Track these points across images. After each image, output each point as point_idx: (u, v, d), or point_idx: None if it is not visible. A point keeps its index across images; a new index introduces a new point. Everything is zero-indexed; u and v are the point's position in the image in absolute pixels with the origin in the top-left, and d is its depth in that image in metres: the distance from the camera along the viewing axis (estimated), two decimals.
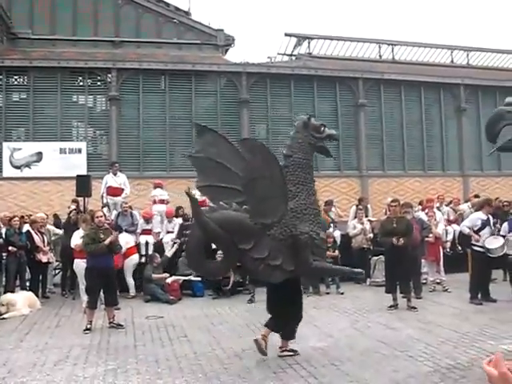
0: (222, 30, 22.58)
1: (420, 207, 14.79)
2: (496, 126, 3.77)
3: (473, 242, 11.30)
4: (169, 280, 12.39)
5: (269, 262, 6.85)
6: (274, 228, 6.92)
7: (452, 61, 25.64)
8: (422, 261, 12.32)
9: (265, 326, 7.46)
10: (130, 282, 12.57)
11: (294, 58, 23.45)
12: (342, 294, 12.28)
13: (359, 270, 8.21)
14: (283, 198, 6.89)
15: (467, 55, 25.88)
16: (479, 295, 10.84)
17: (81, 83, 19.63)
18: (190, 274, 12.60)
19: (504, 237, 10.74)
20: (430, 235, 12.45)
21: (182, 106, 19.75)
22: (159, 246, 13.45)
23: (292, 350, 7.46)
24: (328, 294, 12.42)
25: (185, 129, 19.50)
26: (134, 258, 12.67)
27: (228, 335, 8.72)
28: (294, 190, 7.11)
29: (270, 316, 7.48)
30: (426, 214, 13.25)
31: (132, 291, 12.55)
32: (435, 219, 13.18)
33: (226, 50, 23.43)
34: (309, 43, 23.28)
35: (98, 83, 19.76)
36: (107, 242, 9.41)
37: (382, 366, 6.77)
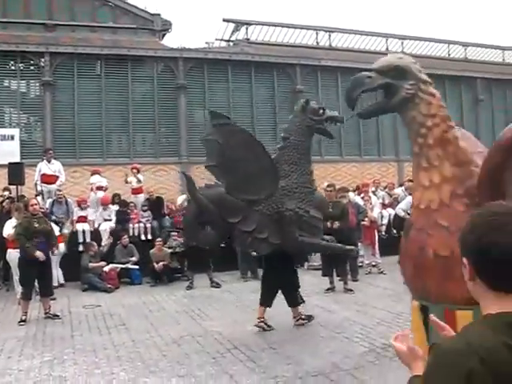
0: (158, 15, 22.20)
1: (356, 192, 15.04)
2: (355, 91, 3.95)
3: None
4: (106, 268, 12.24)
5: (255, 235, 7.54)
6: (262, 204, 7.58)
7: (387, 48, 26.04)
8: (359, 244, 12.58)
9: (260, 304, 8.05)
10: (57, 271, 12.22)
11: (231, 43, 23.31)
12: None
13: (351, 246, 8.60)
14: (271, 176, 7.54)
15: (402, 43, 26.35)
16: None
17: (12, 67, 18.94)
18: (128, 262, 12.49)
19: None
20: (366, 219, 12.72)
21: (118, 92, 19.36)
22: (96, 235, 13.23)
23: (307, 316, 8.20)
24: None
25: (121, 115, 19.14)
26: (61, 247, 12.29)
27: (166, 322, 8.72)
28: (288, 169, 7.77)
29: (261, 294, 8.09)
30: (362, 198, 13.54)
31: (60, 280, 12.27)
32: (371, 203, 13.49)
33: (163, 35, 23.07)
34: (247, 29, 23.15)
35: (31, 67, 19.13)
36: (38, 256, 9.14)
37: (319, 348, 6.92)
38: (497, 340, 1.43)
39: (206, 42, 23.44)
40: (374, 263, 12.89)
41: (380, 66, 4.10)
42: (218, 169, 7.72)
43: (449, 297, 3.48)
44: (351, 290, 10.56)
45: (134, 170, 15.17)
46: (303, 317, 8.13)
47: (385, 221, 14.40)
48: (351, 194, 13.33)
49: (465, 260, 1.61)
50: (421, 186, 3.84)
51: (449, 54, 27.57)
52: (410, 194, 12.46)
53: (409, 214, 11.35)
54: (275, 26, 23.46)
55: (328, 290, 10.66)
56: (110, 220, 13.67)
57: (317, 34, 24.33)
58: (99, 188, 14.58)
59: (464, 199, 3.65)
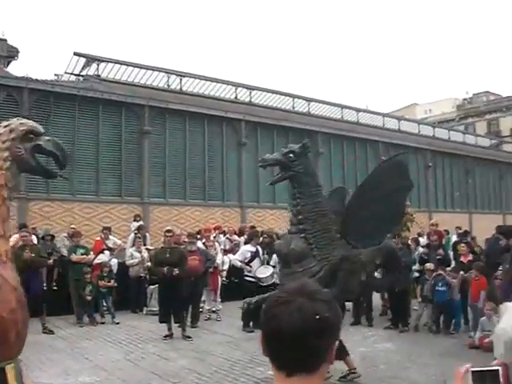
0: (4, 40, 21.24)
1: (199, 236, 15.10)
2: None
3: (245, 273, 12.00)
4: None
5: None
6: None
7: (236, 97, 26.87)
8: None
9: None
10: None
11: (81, 78, 22.75)
12: (118, 323, 11.97)
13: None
14: None
15: (250, 93, 27.32)
16: (251, 323, 11.33)
17: None
18: None
19: (274, 267, 11.41)
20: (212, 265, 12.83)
21: None
22: None
23: None
24: (103, 323, 12.07)
25: None
26: None
27: None
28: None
29: None
30: (204, 243, 13.62)
31: None
32: (215, 249, 13.62)
33: (9, 62, 22.05)
34: (98, 65, 22.73)
35: None
36: None
37: None
38: None
39: (56, 74, 22.71)
40: (214, 309, 12.92)
41: None
42: None
43: None
44: (189, 337, 10.46)
45: None
46: None
47: (226, 266, 14.53)
48: (199, 242, 13.34)
49: (259, 334, 1.57)
50: None
51: (293, 107, 28.99)
52: (245, 243, 12.91)
53: (247, 264, 11.86)
54: (127, 64, 23.29)
55: (166, 336, 10.46)
56: None
57: (168, 76, 24.53)
58: None
59: None
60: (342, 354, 7.56)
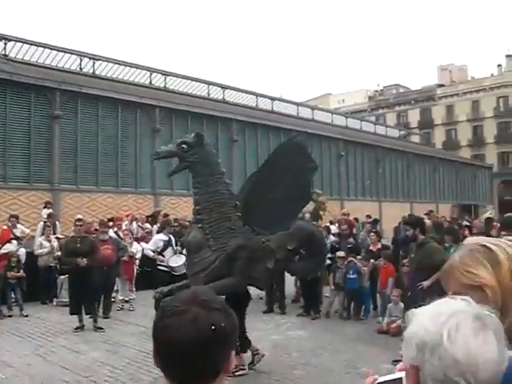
0: None
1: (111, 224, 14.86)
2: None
3: (158, 263, 12.00)
4: None
5: None
6: None
7: (150, 82, 26.49)
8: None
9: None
10: None
11: None
12: (26, 316, 11.55)
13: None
14: None
15: (165, 79, 27.02)
16: None
17: None
18: None
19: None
20: (125, 254, 12.67)
21: None
22: None
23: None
24: (10, 316, 11.62)
25: None
26: None
27: None
28: None
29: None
30: (116, 232, 13.45)
31: None
32: (130, 238, 13.50)
33: None
34: (5, 44, 21.69)
35: None
36: None
37: None
38: None
39: None
40: (127, 298, 12.78)
41: None
42: None
43: None
44: (101, 329, 10.28)
45: None
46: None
47: (139, 255, 14.38)
48: (111, 231, 13.14)
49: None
50: None
51: (208, 94, 28.92)
52: (157, 232, 12.89)
53: (159, 254, 11.86)
54: (37, 45, 22.44)
55: (77, 328, 10.25)
56: None
57: (81, 59, 23.85)
58: None
59: None
60: (247, 346, 7.72)
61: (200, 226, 7.45)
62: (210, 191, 7.50)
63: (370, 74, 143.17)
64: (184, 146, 7.44)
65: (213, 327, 1.42)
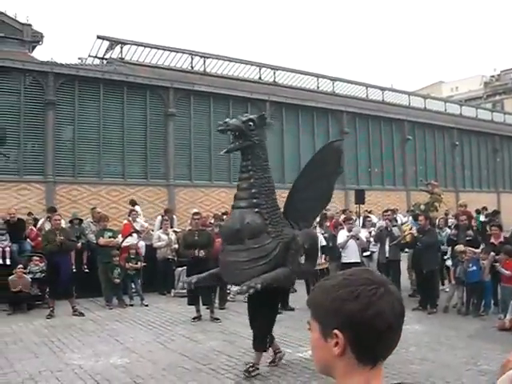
0: (29, 25, 21.28)
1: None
2: None
3: None
4: None
5: None
6: None
7: (260, 77, 26.71)
8: None
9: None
10: None
11: (105, 61, 22.80)
12: (147, 306, 12.06)
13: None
14: None
15: (274, 73, 27.15)
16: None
17: None
18: None
19: None
20: None
21: None
22: None
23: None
24: (132, 305, 12.17)
25: None
26: None
27: (23, 356, 8.07)
28: None
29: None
30: None
31: None
32: None
33: (34, 47, 22.13)
34: (121, 48, 22.73)
35: None
36: None
37: (184, 381, 6.78)
38: None
39: (79, 58, 22.74)
40: (239, 291, 12.90)
41: None
42: None
43: None
44: (218, 319, 10.52)
45: None
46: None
47: None
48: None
49: (338, 332, 1.40)
50: None
51: (318, 87, 28.73)
52: None
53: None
54: (150, 47, 23.26)
55: (194, 318, 10.54)
56: None
57: (192, 58, 24.45)
58: None
59: None
60: (271, 342, 7.55)
61: (257, 210, 7.07)
62: (265, 176, 7.28)
63: (485, 59, 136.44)
64: (251, 123, 7.10)
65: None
